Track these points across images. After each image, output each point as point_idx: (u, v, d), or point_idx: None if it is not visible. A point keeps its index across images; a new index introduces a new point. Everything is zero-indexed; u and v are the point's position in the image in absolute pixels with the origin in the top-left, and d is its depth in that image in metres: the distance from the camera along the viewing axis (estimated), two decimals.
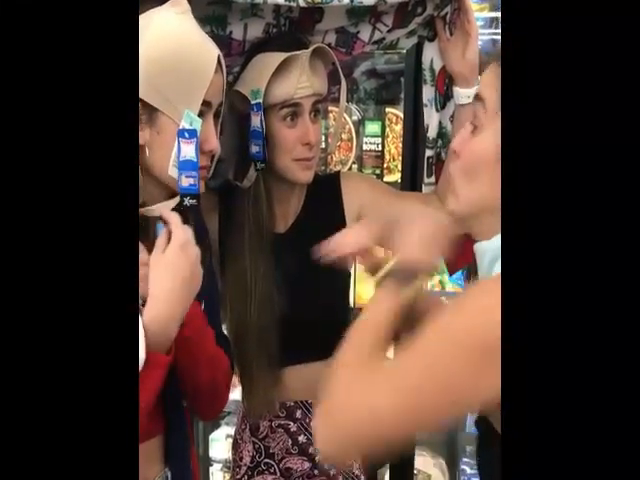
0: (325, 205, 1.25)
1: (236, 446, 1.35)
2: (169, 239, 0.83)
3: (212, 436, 2.05)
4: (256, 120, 1.08)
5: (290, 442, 1.28)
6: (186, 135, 0.86)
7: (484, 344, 0.62)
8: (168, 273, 0.81)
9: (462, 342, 0.63)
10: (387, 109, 1.86)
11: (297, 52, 1.06)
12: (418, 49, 1.57)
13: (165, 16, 0.87)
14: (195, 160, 0.86)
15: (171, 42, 0.85)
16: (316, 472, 1.29)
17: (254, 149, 1.10)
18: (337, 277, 1.26)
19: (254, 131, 1.09)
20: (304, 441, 1.29)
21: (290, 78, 1.07)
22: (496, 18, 1.99)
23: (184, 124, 0.86)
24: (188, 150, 0.86)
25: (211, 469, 2.05)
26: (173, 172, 0.87)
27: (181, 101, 0.86)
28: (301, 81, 1.07)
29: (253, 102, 1.07)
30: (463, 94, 1.16)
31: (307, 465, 1.29)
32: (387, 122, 1.85)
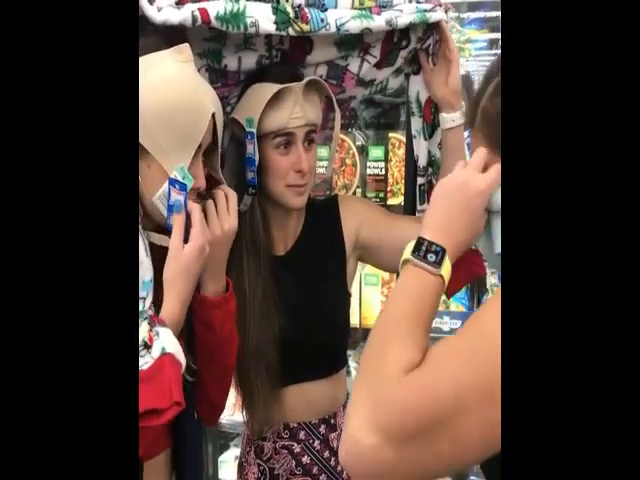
0: (324, 227, 1.29)
1: (241, 469, 1.37)
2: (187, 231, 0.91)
3: (221, 458, 2.06)
4: (250, 148, 1.12)
5: (294, 463, 1.30)
6: (176, 186, 0.90)
7: None
8: (187, 273, 0.91)
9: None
10: (390, 134, 1.90)
11: (291, 84, 1.10)
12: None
13: (168, 64, 0.90)
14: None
15: (171, 93, 0.89)
16: None
17: (249, 175, 1.14)
18: (337, 298, 1.29)
19: (249, 158, 1.13)
20: (308, 462, 1.30)
21: (283, 109, 1.11)
22: (496, 39, 2.04)
23: (176, 175, 0.90)
24: (177, 198, 0.91)
25: None
26: (157, 202, 0.91)
27: (172, 151, 0.90)
28: (294, 112, 1.12)
29: (247, 130, 1.11)
30: (448, 119, 1.20)
31: None
32: (390, 147, 1.89)
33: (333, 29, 1.06)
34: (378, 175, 1.91)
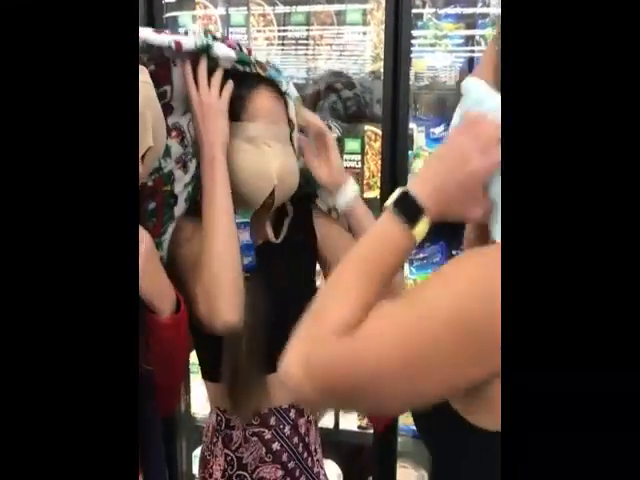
0: (302, 229, 1.34)
1: (204, 462, 1.35)
2: None
3: (195, 453, 2.04)
4: (245, 235, 1.21)
5: (264, 450, 1.30)
6: None
7: (468, 321, 0.62)
8: None
9: (447, 319, 0.62)
10: (366, 127, 1.90)
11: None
12: (394, 70, 1.63)
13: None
14: None
15: None
16: None
17: (245, 260, 1.20)
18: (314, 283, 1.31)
19: (246, 245, 1.21)
20: (278, 448, 1.30)
21: None
22: (472, 36, 2.05)
23: None
24: None
25: None
26: None
27: None
28: None
29: (241, 221, 1.20)
30: (343, 199, 1.24)
31: (280, 473, 1.30)
32: (366, 139, 1.89)
33: (284, 85, 1.21)
34: (354, 168, 1.91)
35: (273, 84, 1.20)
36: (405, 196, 0.71)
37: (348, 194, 1.23)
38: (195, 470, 2.03)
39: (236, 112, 1.18)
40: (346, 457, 2.06)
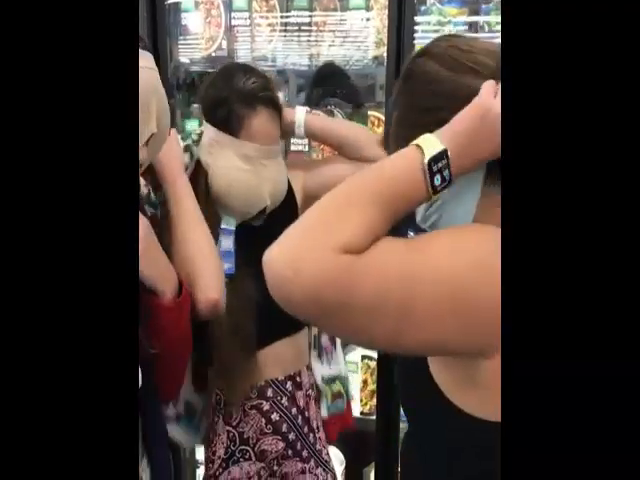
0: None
1: (208, 442, 1.37)
2: None
3: None
4: (227, 242, 1.24)
5: (264, 421, 1.32)
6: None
7: (467, 286, 0.63)
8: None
9: (448, 278, 0.63)
10: (369, 112, 1.89)
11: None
12: (397, 56, 1.62)
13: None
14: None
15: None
16: (290, 452, 1.32)
17: (226, 266, 1.21)
18: None
19: (226, 252, 1.23)
20: (277, 419, 1.33)
21: None
22: (475, 23, 2.03)
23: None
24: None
25: (198, 471, 2.05)
26: None
27: None
28: None
29: (223, 227, 1.23)
30: (300, 129, 1.33)
31: (281, 445, 1.32)
32: (369, 125, 1.89)
33: None
34: None
35: (271, 102, 1.22)
36: (444, 158, 0.68)
37: (300, 117, 1.29)
38: (198, 456, 2.03)
39: (234, 128, 1.20)
40: (349, 443, 2.06)
